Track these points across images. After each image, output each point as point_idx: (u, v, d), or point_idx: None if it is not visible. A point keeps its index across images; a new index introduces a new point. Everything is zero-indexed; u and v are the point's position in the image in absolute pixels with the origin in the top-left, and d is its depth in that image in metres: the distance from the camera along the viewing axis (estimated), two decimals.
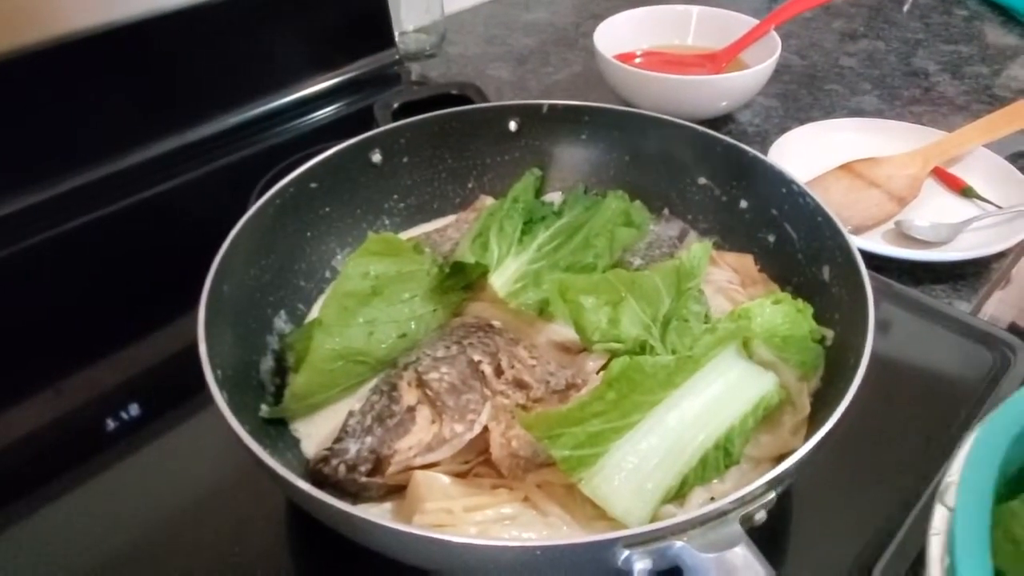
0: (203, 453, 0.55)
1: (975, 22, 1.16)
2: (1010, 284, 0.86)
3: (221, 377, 0.46)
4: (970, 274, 0.70)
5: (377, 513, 0.47)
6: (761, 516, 0.38)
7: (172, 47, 0.82)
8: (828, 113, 0.94)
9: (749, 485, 0.38)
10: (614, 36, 0.94)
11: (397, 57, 1.02)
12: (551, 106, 0.69)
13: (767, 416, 0.49)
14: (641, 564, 0.36)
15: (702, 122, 0.66)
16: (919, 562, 0.45)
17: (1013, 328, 0.93)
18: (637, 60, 0.97)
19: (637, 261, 0.63)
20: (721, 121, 0.92)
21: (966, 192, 0.79)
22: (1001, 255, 0.71)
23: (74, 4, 0.75)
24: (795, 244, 0.58)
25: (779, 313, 0.54)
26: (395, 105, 0.84)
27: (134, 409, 0.59)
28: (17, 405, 0.60)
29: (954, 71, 1.04)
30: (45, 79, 0.75)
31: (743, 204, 0.64)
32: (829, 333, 0.54)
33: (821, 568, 0.49)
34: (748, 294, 0.61)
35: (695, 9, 1.00)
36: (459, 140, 0.69)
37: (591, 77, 0.98)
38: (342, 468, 0.47)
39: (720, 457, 0.46)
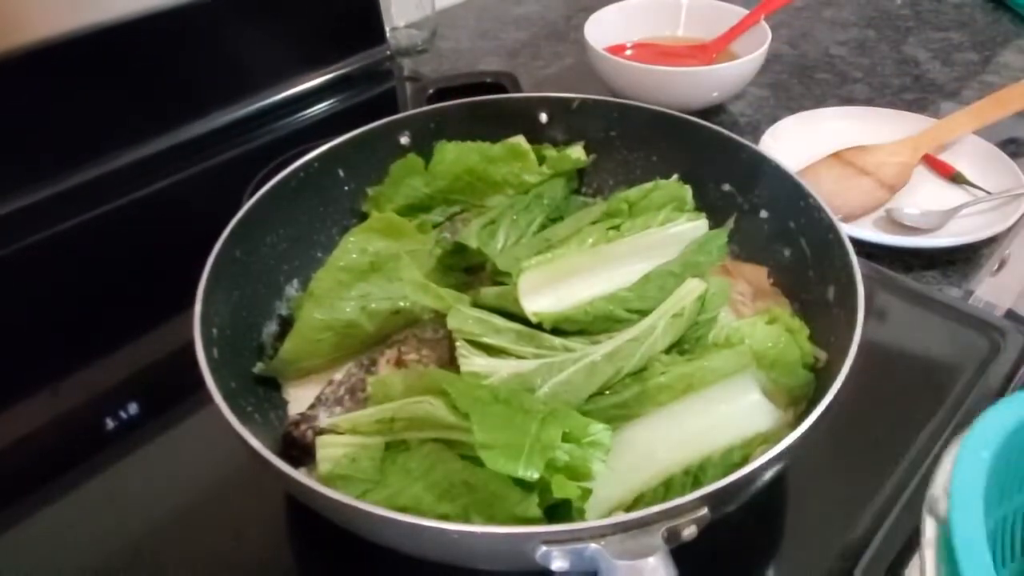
0: (203, 451, 0.55)
1: (965, 9, 1.17)
2: (1004, 269, 0.87)
3: (216, 335, 0.48)
4: (960, 260, 0.71)
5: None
6: (691, 532, 0.37)
7: (163, 46, 0.82)
8: (819, 102, 0.94)
9: (679, 498, 0.37)
10: (604, 28, 0.94)
11: (388, 53, 1.03)
12: (582, 100, 0.69)
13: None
14: (559, 563, 0.36)
15: (694, 113, 0.67)
16: (898, 562, 0.46)
17: (1010, 314, 0.94)
18: (628, 52, 0.98)
19: None
20: (713, 111, 0.93)
21: (956, 178, 0.79)
22: (991, 240, 0.71)
23: (64, 5, 0.75)
24: (807, 260, 0.58)
25: (771, 334, 0.53)
26: (430, 90, 0.86)
27: (133, 408, 0.59)
28: (15, 406, 0.60)
29: (944, 58, 1.04)
30: (38, 81, 0.75)
31: (764, 214, 0.63)
32: (822, 355, 0.52)
33: (809, 558, 0.49)
34: (756, 308, 0.60)
35: (684, 0, 1.00)
36: (488, 128, 0.69)
37: (583, 70, 0.98)
38: (309, 433, 0.49)
39: (688, 483, 0.45)
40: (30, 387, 0.61)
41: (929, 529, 0.36)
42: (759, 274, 0.62)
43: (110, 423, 0.59)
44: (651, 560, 0.35)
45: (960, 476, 0.36)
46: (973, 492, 0.35)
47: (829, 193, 0.75)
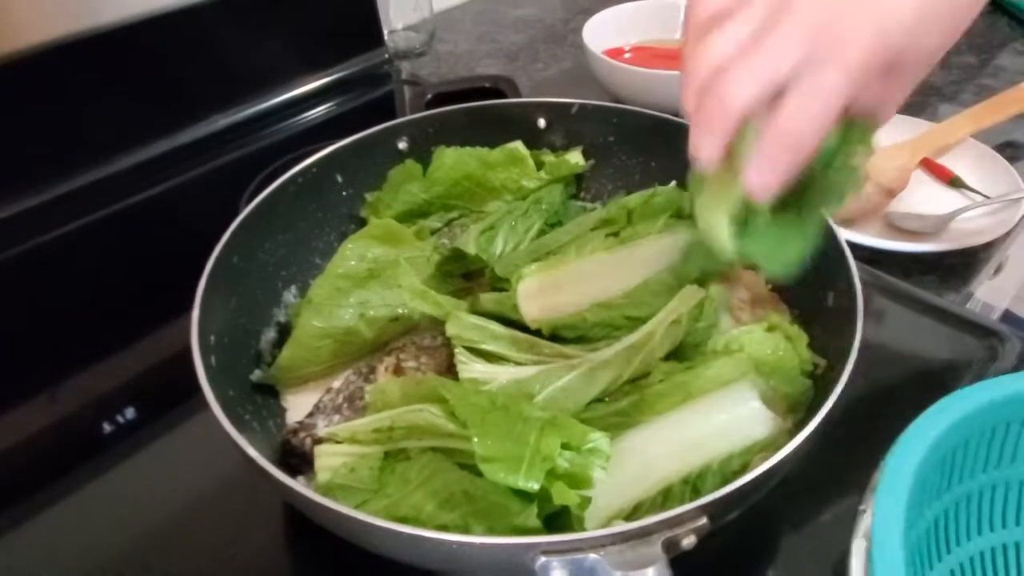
0: (200, 458, 0.55)
1: None
2: (1002, 272, 0.87)
3: (214, 342, 0.48)
4: (959, 264, 0.71)
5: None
6: (690, 541, 0.37)
7: (161, 49, 0.82)
8: None
9: (678, 507, 0.37)
10: (603, 31, 0.94)
11: (387, 56, 1.02)
12: (580, 106, 0.69)
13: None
14: (558, 573, 0.36)
15: None
16: None
17: (1007, 316, 0.94)
18: (626, 55, 0.98)
19: None
20: None
21: (954, 182, 0.80)
22: (989, 245, 0.71)
23: (63, 8, 0.75)
24: (806, 266, 0.58)
25: (769, 341, 0.52)
26: (429, 95, 0.86)
27: (130, 413, 0.59)
28: (12, 410, 0.60)
29: (942, 61, 1.04)
30: (37, 84, 0.75)
31: None
32: (821, 362, 0.52)
33: (807, 566, 0.49)
34: (755, 314, 0.59)
35: (683, 3, 1.00)
36: (487, 133, 0.69)
37: (581, 73, 0.98)
38: (308, 441, 0.49)
39: (687, 492, 0.44)
40: (28, 392, 0.61)
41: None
42: (758, 280, 0.62)
43: (107, 428, 0.58)
44: (650, 571, 0.35)
45: (883, 492, 0.36)
46: (896, 507, 0.35)
47: None
